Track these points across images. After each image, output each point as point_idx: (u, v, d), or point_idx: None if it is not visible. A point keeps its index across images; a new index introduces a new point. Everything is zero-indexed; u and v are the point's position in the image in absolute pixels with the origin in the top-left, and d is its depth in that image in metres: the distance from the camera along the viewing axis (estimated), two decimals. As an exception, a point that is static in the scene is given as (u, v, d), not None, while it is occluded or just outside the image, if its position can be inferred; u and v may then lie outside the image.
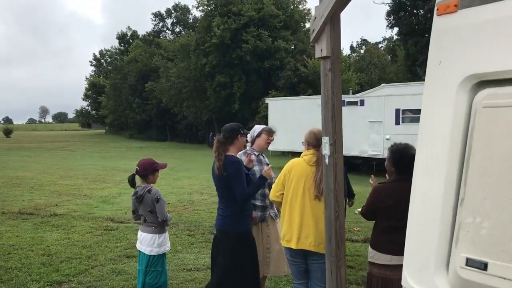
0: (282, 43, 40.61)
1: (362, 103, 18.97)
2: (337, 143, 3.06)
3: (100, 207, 10.44)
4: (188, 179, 16.56)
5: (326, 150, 3.07)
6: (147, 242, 4.27)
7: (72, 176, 16.84)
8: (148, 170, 4.30)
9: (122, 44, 73.11)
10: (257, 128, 4.78)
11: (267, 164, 4.88)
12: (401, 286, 3.58)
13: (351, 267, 5.91)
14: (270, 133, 4.65)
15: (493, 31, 1.83)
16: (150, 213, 4.26)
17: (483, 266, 1.71)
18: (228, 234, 3.91)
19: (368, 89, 33.53)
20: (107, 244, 6.97)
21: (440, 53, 2.16)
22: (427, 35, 40.30)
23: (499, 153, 1.72)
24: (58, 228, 8.11)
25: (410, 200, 2.21)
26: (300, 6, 45.78)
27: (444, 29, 2.16)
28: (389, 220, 3.50)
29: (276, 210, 4.68)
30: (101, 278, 5.45)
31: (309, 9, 46.42)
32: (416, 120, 17.46)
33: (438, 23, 2.20)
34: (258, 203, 4.39)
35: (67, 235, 7.56)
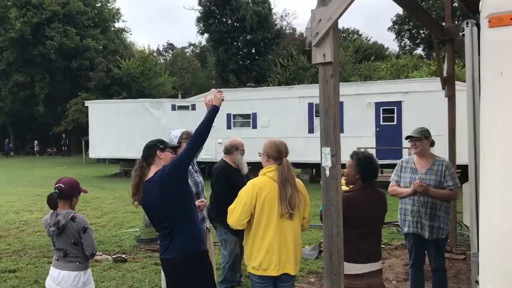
0: (91, 42, 37.94)
1: (193, 107, 18.94)
2: (337, 154, 2.90)
3: None
4: (1, 195, 14.11)
5: (327, 161, 2.88)
6: (69, 282, 3.40)
7: None
8: (75, 191, 3.43)
9: None
10: (173, 137, 4.34)
11: (196, 172, 4.45)
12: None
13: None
14: (190, 138, 4.23)
15: None
16: (74, 245, 3.40)
17: None
18: (182, 262, 3.19)
19: (182, 93, 33.82)
20: None
21: (499, 64, 2.20)
22: (235, 43, 42.73)
23: None
24: None
25: (480, 210, 2.21)
26: (109, 4, 43.53)
27: (500, 41, 2.20)
28: (358, 229, 3.49)
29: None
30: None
31: (118, 8, 44.48)
32: (246, 124, 18.23)
33: (491, 35, 2.24)
34: None
35: None
